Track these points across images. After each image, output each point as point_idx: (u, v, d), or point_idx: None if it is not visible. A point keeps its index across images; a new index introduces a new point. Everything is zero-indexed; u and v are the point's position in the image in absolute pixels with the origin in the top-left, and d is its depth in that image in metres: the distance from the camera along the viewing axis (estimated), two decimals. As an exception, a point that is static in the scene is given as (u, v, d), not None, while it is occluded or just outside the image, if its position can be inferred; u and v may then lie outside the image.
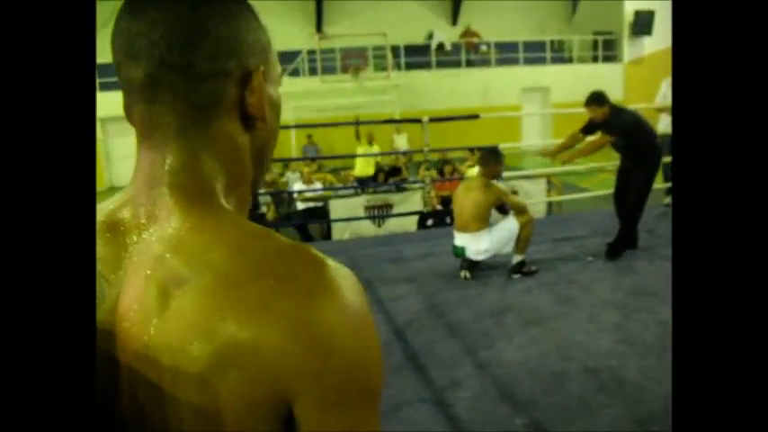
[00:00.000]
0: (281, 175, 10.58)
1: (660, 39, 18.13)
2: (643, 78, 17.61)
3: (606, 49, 20.21)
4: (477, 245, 5.15)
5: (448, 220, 7.92)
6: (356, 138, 10.94)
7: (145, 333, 0.61)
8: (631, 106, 7.64)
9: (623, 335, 3.95)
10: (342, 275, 0.63)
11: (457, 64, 19.69)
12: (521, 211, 5.19)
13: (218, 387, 0.58)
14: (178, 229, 0.64)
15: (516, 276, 5.18)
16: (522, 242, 5.17)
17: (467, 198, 5.15)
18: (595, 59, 20.31)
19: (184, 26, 0.65)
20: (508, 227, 5.16)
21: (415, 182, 8.41)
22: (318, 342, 0.58)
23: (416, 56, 19.39)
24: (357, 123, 11.00)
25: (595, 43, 20.27)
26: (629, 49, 19.70)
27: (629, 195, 5.56)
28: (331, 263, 0.63)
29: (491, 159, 5.19)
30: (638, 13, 18.88)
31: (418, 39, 20.02)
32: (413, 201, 8.91)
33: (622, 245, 5.62)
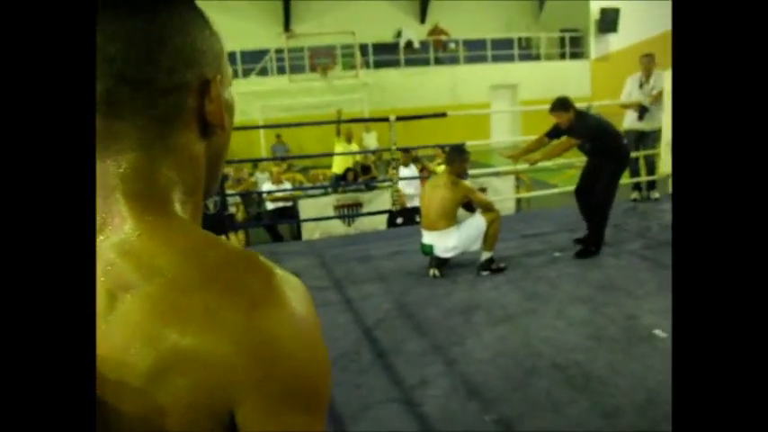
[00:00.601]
0: (251, 174, 10.52)
1: (625, 36, 18.35)
2: (609, 75, 17.81)
3: (573, 47, 20.40)
4: (445, 242, 5.16)
5: (417, 219, 7.95)
6: (337, 134, 10.89)
7: (97, 340, 0.60)
8: (597, 103, 7.76)
9: (591, 330, 3.98)
10: (289, 284, 0.63)
11: (425, 62, 19.74)
12: (488, 208, 5.22)
13: (160, 393, 0.57)
14: (129, 235, 0.64)
15: (485, 273, 5.20)
16: (489, 239, 5.19)
17: (434, 196, 5.17)
18: (563, 56, 20.49)
19: (141, 39, 0.64)
20: (476, 224, 5.18)
21: (383, 180, 8.40)
22: (262, 350, 0.58)
23: (385, 54, 19.41)
24: (327, 123, 10.95)
25: (562, 40, 20.45)
26: (595, 47, 19.92)
27: (597, 194, 5.61)
28: (279, 271, 0.63)
29: (456, 157, 5.22)
30: (603, 11, 19.09)
31: (387, 37, 20.03)
32: (382, 199, 8.92)
33: (594, 244, 5.66)
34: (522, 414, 3.06)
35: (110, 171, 0.67)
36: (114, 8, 0.64)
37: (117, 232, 0.64)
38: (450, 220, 5.14)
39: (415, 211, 8.10)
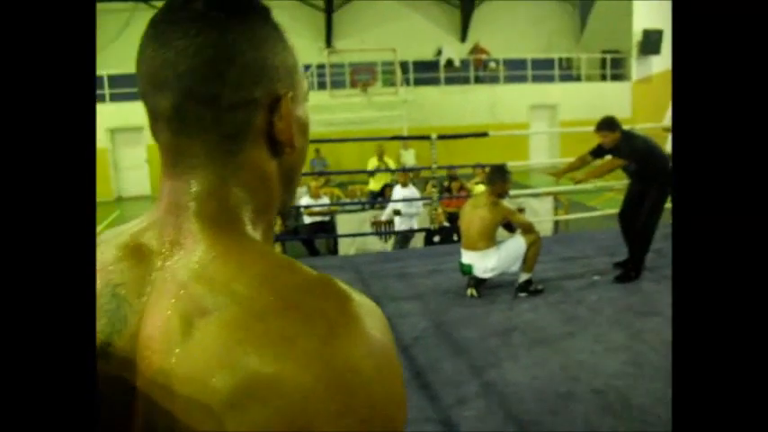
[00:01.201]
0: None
1: (668, 58, 18.13)
2: (651, 97, 17.65)
3: (614, 68, 20.25)
4: (484, 263, 5.15)
5: (455, 237, 7.93)
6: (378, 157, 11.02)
7: (166, 362, 0.60)
8: (639, 126, 7.71)
9: (630, 356, 3.93)
10: (367, 311, 0.61)
11: (465, 80, 19.75)
12: (528, 229, 5.19)
13: (237, 421, 0.56)
14: (203, 257, 0.63)
15: (523, 295, 5.17)
16: (529, 261, 5.17)
17: (474, 216, 5.16)
18: (603, 78, 20.33)
19: (211, 55, 0.64)
20: (516, 245, 5.16)
21: (426, 198, 8.40)
22: (341, 380, 0.57)
23: (425, 72, 19.48)
24: (366, 139, 11.02)
25: (603, 61, 20.30)
26: (637, 68, 19.73)
27: (642, 217, 5.53)
28: (356, 297, 0.62)
29: (498, 177, 5.21)
30: (646, 33, 18.91)
31: (427, 55, 20.12)
32: (420, 217, 8.92)
33: (635, 269, 5.58)
34: (559, 439, 3.03)
35: (180, 189, 0.68)
36: (185, 23, 0.65)
37: (190, 254, 0.64)
38: (491, 240, 5.13)
39: (453, 229, 8.09)
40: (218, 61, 0.64)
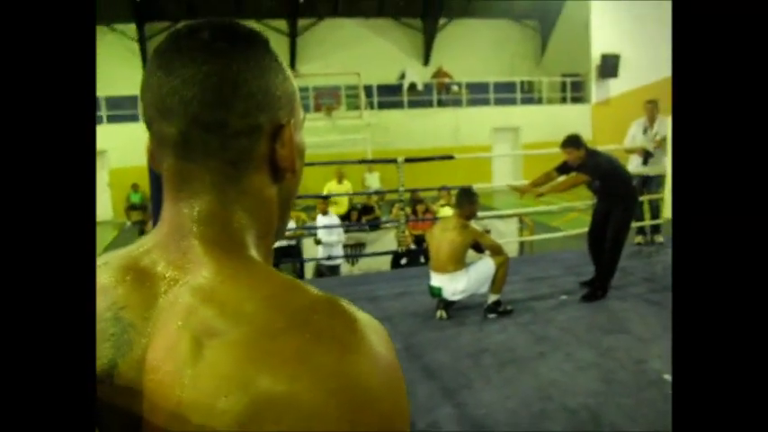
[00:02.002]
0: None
1: (626, 81, 18.55)
2: (610, 119, 17.95)
3: (574, 91, 20.59)
4: (453, 285, 5.16)
5: (422, 260, 7.95)
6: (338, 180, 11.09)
7: (177, 385, 0.60)
8: (601, 147, 7.82)
9: (600, 374, 3.96)
10: (373, 329, 0.63)
11: (429, 104, 19.91)
12: (497, 251, 5.22)
13: None
14: (211, 279, 0.64)
15: (492, 316, 5.19)
16: (498, 282, 5.19)
17: (443, 239, 5.17)
18: (564, 100, 20.67)
19: (217, 83, 0.66)
20: (485, 267, 5.18)
21: (388, 221, 8.41)
22: (352, 396, 0.58)
23: (389, 95, 19.60)
24: (330, 163, 11.03)
25: (564, 85, 20.64)
26: (596, 91, 20.11)
27: (609, 237, 5.59)
28: (362, 315, 0.64)
29: (466, 200, 5.24)
30: (604, 57, 19.32)
31: (390, 78, 20.24)
32: (386, 240, 8.93)
33: (601, 288, 5.64)
34: (534, 459, 3.04)
35: (183, 213, 0.69)
36: (192, 52, 0.67)
37: (196, 277, 0.65)
38: (460, 263, 5.14)
39: (420, 252, 8.11)
40: (224, 89, 0.66)
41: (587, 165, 5.43)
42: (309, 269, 9.03)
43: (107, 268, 0.70)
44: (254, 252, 0.69)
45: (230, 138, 0.67)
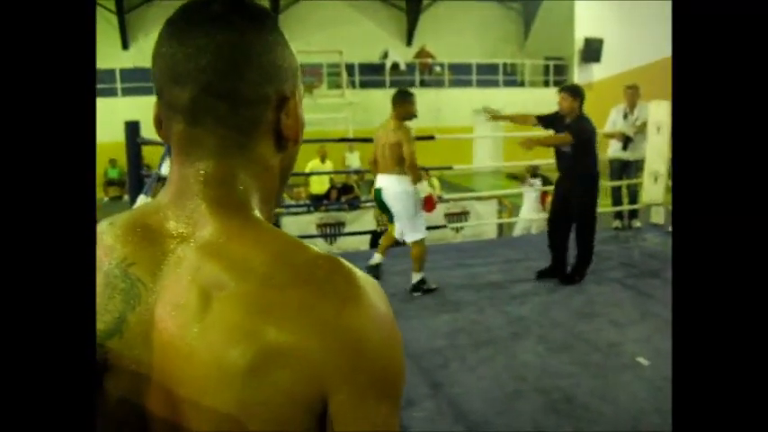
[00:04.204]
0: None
1: (608, 66, 18.58)
2: (592, 104, 17.82)
3: (557, 75, 20.59)
4: (393, 187, 5.09)
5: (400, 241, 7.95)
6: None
7: (187, 337, 0.64)
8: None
9: (574, 356, 4.01)
10: (370, 284, 0.69)
11: (411, 84, 19.80)
12: (413, 167, 5.04)
13: (260, 386, 0.62)
14: (218, 238, 0.68)
15: (417, 294, 5.23)
16: (416, 261, 5.22)
17: (386, 141, 5.07)
18: (546, 84, 20.67)
19: (231, 53, 0.69)
20: (406, 195, 5.13)
21: (368, 201, 8.39)
22: (354, 343, 0.64)
23: (371, 75, 19.50)
24: (312, 141, 10.99)
25: (546, 68, 20.65)
26: (578, 75, 20.12)
27: (577, 224, 5.54)
28: (360, 273, 0.69)
29: (400, 100, 5.08)
30: (587, 41, 19.32)
31: (373, 58, 20.13)
32: (365, 219, 8.91)
33: (579, 273, 5.62)
34: (506, 438, 3.07)
35: (190, 176, 0.72)
36: (207, 23, 0.70)
37: (204, 235, 0.69)
38: (398, 165, 5.04)
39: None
40: (237, 59, 0.70)
41: (574, 125, 5.33)
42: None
43: (113, 228, 0.74)
44: (257, 214, 0.72)
45: (240, 106, 0.71)
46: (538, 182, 8.75)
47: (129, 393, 0.68)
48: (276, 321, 0.62)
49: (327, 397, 0.64)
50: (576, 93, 5.33)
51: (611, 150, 7.74)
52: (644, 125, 7.31)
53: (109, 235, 0.73)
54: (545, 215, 8.84)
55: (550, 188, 8.78)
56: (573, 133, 5.29)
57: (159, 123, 0.76)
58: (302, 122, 0.78)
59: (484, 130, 19.42)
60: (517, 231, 9.03)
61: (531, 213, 8.75)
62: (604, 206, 8.08)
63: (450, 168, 8.74)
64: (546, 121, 5.62)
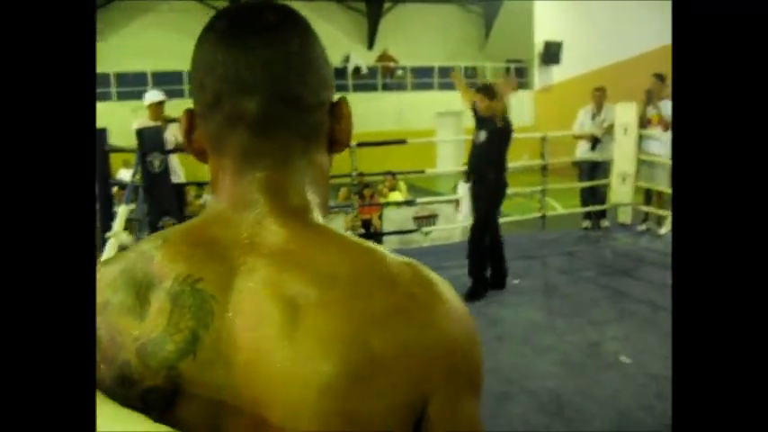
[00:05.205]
0: (198, 197, 10.35)
1: (568, 68, 18.81)
2: (552, 105, 18.26)
3: (517, 77, 20.76)
4: None
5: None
6: None
7: (274, 351, 0.61)
8: (551, 133, 7.94)
9: (558, 357, 4.04)
10: (446, 285, 0.69)
11: (373, 87, 19.85)
12: None
13: (365, 396, 0.60)
14: (291, 245, 0.66)
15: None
16: None
17: None
18: (507, 86, 20.84)
19: (297, 61, 0.70)
20: None
21: (336, 206, 8.35)
22: (450, 344, 0.64)
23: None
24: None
25: (507, 70, 20.83)
26: (538, 78, 20.36)
27: (473, 228, 5.45)
28: (434, 274, 0.69)
29: None
30: (547, 44, 19.53)
31: (335, 62, 20.04)
32: (335, 224, 8.84)
33: (498, 283, 5.44)
34: (500, 441, 3.07)
35: (253, 186, 0.70)
36: (265, 32, 0.70)
37: (273, 245, 0.66)
38: None
39: (369, 236, 8.09)
40: (303, 67, 0.70)
41: (501, 117, 5.15)
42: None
43: (170, 244, 0.69)
44: (320, 219, 0.71)
45: (305, 113, 0.71)
46: None
47: (205, 419, 0.63)
48: (375, 327, 0.61)
49: (427, 400, 0.63)
50: (491, 93, 5.18)
51: (579, 151, 7.84)
52: (611, 127, 7.42)
53: (164, 252, 0.68)
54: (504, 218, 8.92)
55: (510, 192, 8.90)
56: (500, 117, 5.12)
57: (190, 134, 0.74)
58: (352, 125, 0.78)
59: (446, 133, 19.57)
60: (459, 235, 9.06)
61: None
62: (573, 206, 8.20)
63: (422, 172, 8.75)
64: (475, 110, 5.42)
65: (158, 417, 0.63)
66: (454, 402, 0.64)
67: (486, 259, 5.40)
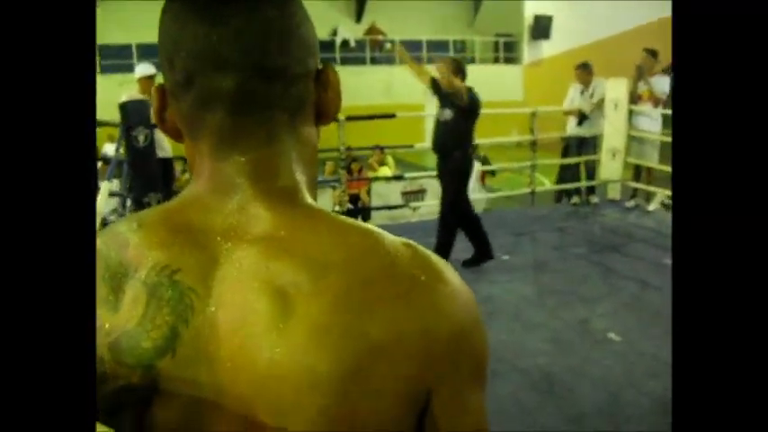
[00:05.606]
0: (185, 171, 10.27)
1: (558, 43, 18.74)
2: (541, 80, 18.18)
3: (507, 51, 20.73)
4: None
5: (359, 219, 7.90)
6: None
7: (265, 346, 0.56)
8: (542, 108, 7.90)
9: (548, 334, 4.04)
10: (448, 267, 0.64)
11: (362, 61, 19.71)
12: None
13: (364, 390, 0.56)
14: (280, 230, 0.61)
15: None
16: None
17: None
18: (496, 60, 20.78)
19: (277, 30, 0.63)
20: None
21: (333, 181, 8.29)
22: (454, 331, 0.60)
23: (321, 52, 18.38)
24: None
25: (496, 45, 20.74)
26: (528, 52, 20.27)
27: (441, 208, 5.34)
28: (435, 256, 0.64)
29: None
30: (537, 18, 19.44)
31: (322, 35, 19.91)
32: (321, 199, 8.81)
33: (481, 256, 5.35)
34: (490, 420, 3.05)
35: (234, 169, 0.64)
36: (238, 1, 0.62)
37: (261, 230, 0.61)
38: None
39: (357, 211, 8.07)
40: (284, 35, 0.64)
41: (460, 91, 4.98)
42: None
43: (144, 229, 0.64)
44: (310, 200, 0.66)
45: (290, 85, 0.64)
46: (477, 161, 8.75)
47: (185, 419, 0.59)
48: (374, 317, 0.56)
49: (431, 392, 0.59)
50: (453, 66, 5.05)
51: (569, 127, 7.81)
52: (601, 102, 7.37)
53: (140, 237, 0.63)
54: (485, 194, 8.91)
55: (499, 167, 8.89)
56: (458, 96, 4.98)
57: (162, 115, 0.68)
58: (340, 94, 0.72)
59: (434, 107, 19.47)
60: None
61: (474, 193, 8.76)
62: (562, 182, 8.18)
63: (411, 147, 8.70)
64: (437, 86, 5.24)
65: (132, 417, 0.59)
66: (459, 395, 0.61)
67: (474, 224, 5.32)
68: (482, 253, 5.37)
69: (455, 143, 5.14)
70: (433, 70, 5.37)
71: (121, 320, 0.60)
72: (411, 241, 0.63)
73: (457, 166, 5.20)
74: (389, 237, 0.63)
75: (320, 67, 0.69)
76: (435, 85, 5.22)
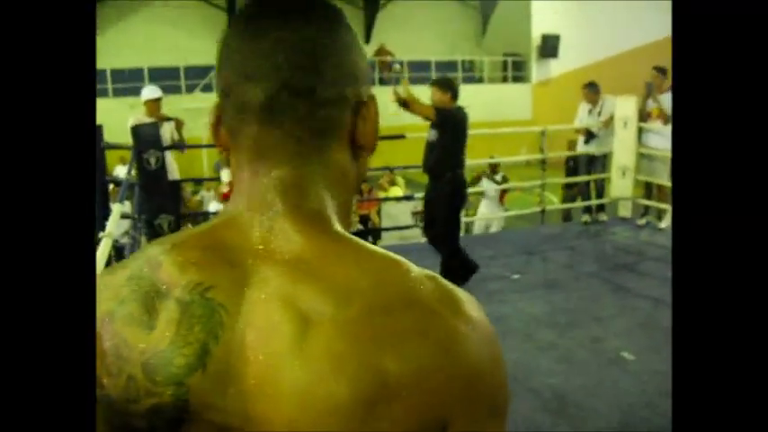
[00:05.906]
0: (195, 193, 10.32)
1: (566, 61, 18.77)
2: (550, 99, 18.20)
3: (515, 70, 20.77)
4: None
5: (369, 240, 7.90)
6: None
7: (286, 369, 0.57)
8: (552, 127, 7.90)
9: (560, 353, 4.01)
10: (471, 301, 0.64)
11: (371, 82, 19.78)
12: None
13: (378, 421, 0.55)
14: (307, 254, 0.61)
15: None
16: None
17: None
18: (505, 80, 20.82)
19: (309, 49, 0.64)
20: None
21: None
22: (472, 366, 0.59)
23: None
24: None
25: (505, 64, 20.80)
26: (536, 71, 20.31)
27: (437, 226, 5.15)
28: (458, 289, 0.63)
29: None
30: (544, 37, 19.51)
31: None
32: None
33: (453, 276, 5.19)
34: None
35: (264, 185, 0.65)
36: (283, 18, 0.65)
37: (288, 253, 0.62)
38: None
39: (367, 232, 8.06)
40: (317, 56, 0.65)
41: (442, 110, 4.87)
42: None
43: (178, 249, 0.65)
44: (338, 227, 0.66)
45: (319, 106, 0.65)
46: (497, 179, 8.76)
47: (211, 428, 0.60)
48: (391, 348, 0.56)
49: (447, 425, 0.58)
50: (444, 86, 4.96)
51: (579, 145, 7.80)
52: (610, 120, 7.37)
53: (174, 258, 0.64)
54: (504, 213, 8.89)
55: (510, 185, 8.89)
56: (439, 115, 4.84)
57: (217, 128, 0.69)
58: (378, 130, 0.71)
59: (444, 126, 19.52)
60: (477, 229, 9.03)
61: (494, 211, 8.76)
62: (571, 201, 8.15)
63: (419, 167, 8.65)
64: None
65: None
66: (477, 428, 0.60)
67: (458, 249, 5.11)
68: (467, 270, 5.11)
69: (443, 164, 4.99)
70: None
71: (155, 340, 0.61)
72: (434, 274, 0.63)
73: (449, 188, 4.99)
74: (414, 268, 0.62)
75: (365, 99, 0.69)
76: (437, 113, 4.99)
